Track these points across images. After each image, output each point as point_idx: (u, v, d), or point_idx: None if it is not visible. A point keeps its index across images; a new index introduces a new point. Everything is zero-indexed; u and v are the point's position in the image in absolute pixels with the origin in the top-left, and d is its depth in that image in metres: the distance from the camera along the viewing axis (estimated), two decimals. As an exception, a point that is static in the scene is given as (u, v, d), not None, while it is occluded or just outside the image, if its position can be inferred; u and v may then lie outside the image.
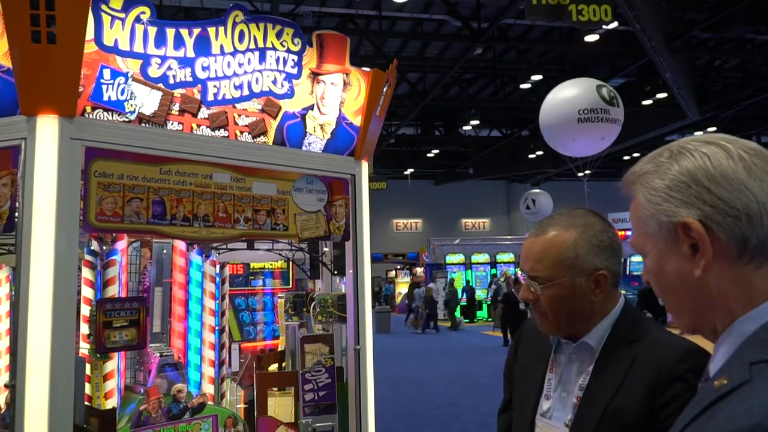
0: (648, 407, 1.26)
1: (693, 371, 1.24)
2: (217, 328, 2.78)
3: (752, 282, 0.81)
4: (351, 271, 2.56)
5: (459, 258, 23.28)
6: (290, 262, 4.18)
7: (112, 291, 2.40)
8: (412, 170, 28.24)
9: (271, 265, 4.38)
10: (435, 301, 19.64)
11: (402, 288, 27.13)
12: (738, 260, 0.81)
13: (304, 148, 2.43)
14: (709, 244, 0.81)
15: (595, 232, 1.40)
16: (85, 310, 2.33)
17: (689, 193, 0.83)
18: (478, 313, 22.06)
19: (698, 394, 0.82)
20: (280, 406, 2.61)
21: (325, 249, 3.66)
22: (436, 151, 26.28)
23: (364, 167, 2.61)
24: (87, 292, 2.40)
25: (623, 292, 1.50)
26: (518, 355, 1.64)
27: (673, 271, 0.87)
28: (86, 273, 2.41)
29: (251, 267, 4.35)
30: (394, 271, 29.33)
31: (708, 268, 0.82)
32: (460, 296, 22.10)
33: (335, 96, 2.49)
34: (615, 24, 10.46)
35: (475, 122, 21.40)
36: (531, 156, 24.81)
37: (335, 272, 3.14)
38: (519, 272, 19.72)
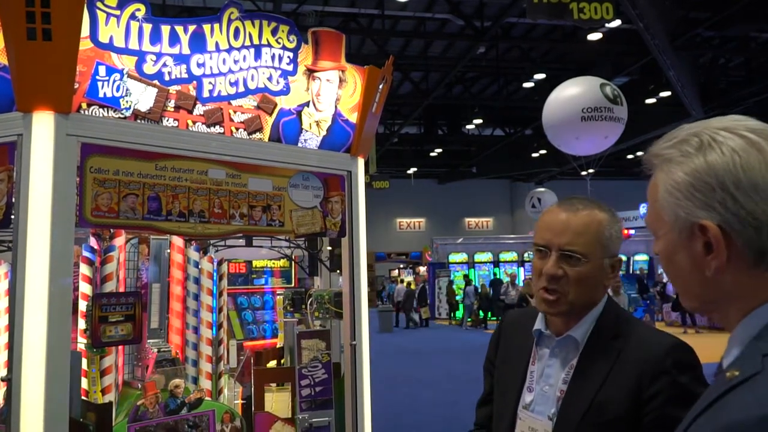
0: (633, 401, 1.28)
1: (677, 366, 1.27)
2: (214, 324, 2.80)
3: None
4: (347, 267, 2.57)
5: (462, 257, 23.26)
6: (292, 261, 4.20)
7: (110, 287, 2.42)
8: (415, 169, 28.23)
9: (273, 263, 4.39)
10: (490, 299, 19.46)
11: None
12: (754, 268, 0.78)
13: (300, 144, 2.44)
14: (725, 249, 0.78)
15: (616, 220, 1.44)
16: (83, 305, 2.34)
17: (713, 197, 0.79)
18: (480, 313, 21.99)
19: (710, 386, 0.81)
20: (277, 401, 2.62)
21: (329, 247, 3.68)
22: (439, 150, 26.26)
23: (360, 164, 2.61)
24: (85, 288, 2.42)
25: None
26: (499, 347, 1.64)
27: (685, 262, 0.84)
28: (84, 269, 2.43)
29: (253, 265, 4.37)
30: (397, 270, 29.33)
31: (721, 270, 0.80)
32: (463, 296, 22.07)
33: (331, 93, 2.49)
34: (618, 22, 10.44)
35: (478, 121, 21.37)
36: (534, 155, 24.77)
37: (337, 270, 3.14)
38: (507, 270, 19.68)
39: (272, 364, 2.97)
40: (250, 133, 2.31)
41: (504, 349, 1.62)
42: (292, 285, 4.34)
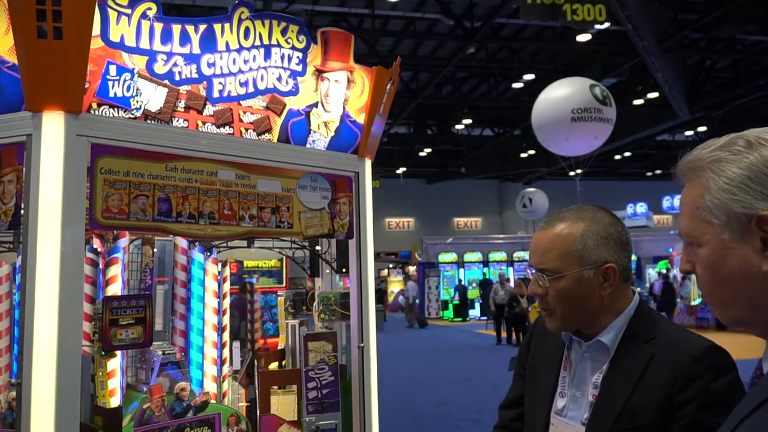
0: (664, 407, 1.26)
1: (710, 370, 1.25)
2: (219, 326, 2.78)
3: None
4: (354, 269, 2.55)
5: (451, 257, 23.31)
6: (284, 261, 4.18)
7: (114, 289, 2.39)
8: (404, 169, 28.23)
9: (265, 263, 4.38)
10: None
11: (394, 287, 27.10)
12: None
13: (308, 145, 2.42)
14: None
15: (604, 225, 1.40)
16: (87, 308, 2.31)
17: None
18: (471, 312, 22.09)
19: (754, 388, 0.80)
20: (283, 404, 2.60)
21: (317, 247, 3.66)
22: (429, 150, 26.29)
23: (368, 165, 2.60)
24: (89, 289, 2.38)
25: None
26: (531, 351, 1.63)
27: (736, 263, 0.84)
28: (88, 271, 2.40)
29: (245, 265, 4.35)
30: (386, 270, 29.32)
31: None
32: (453, 295, 22.14)
33: (339, 93, 2.48)
34: (608, 24, 10.54)
35: (468, 121, 21.43)
36: (523, 155, 24.88)
37: (342, 270, 3.13)
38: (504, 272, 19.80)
39: (274, 365, 2.95)
40: (259, 134, 2.28)
41: (535, 355, 1.61)
42: (284, 285, 4.33)
